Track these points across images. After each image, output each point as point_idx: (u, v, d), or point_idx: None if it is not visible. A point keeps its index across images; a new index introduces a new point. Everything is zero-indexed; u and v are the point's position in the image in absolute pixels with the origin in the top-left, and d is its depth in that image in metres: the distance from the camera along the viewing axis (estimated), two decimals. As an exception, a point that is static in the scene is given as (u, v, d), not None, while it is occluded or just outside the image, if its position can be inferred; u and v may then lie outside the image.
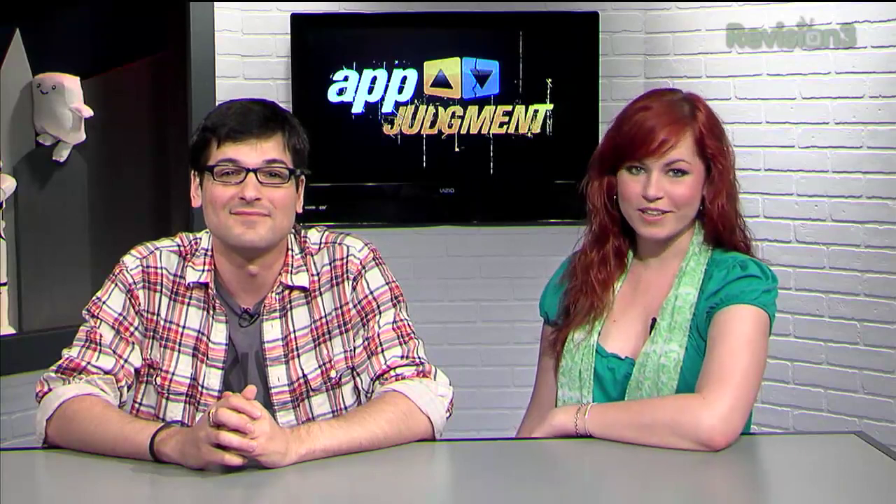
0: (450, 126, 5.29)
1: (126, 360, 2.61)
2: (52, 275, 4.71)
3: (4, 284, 4.57)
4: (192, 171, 2.62)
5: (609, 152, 2.67)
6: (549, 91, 5.31)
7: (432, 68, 5.28)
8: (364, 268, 2.66)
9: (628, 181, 2.63)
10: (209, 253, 2.65)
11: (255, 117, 2.56)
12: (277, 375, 2.62)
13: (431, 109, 5.27)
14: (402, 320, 2.65)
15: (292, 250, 2.66)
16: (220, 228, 2.57)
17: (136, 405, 2.67)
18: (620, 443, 2.47)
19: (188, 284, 2.64)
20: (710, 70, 5.16)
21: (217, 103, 3.90)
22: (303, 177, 2.63)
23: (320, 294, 2.66)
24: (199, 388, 2.61)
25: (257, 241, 2.55)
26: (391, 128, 5.27)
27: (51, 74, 4.59)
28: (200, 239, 2.68)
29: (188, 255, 2.66)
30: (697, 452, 2.40)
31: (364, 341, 2.63)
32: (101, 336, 2.60)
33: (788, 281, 4.91)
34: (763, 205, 4.99)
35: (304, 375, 2.63)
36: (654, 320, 2.64)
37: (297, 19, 5.21)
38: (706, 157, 2.64)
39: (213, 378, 2.61)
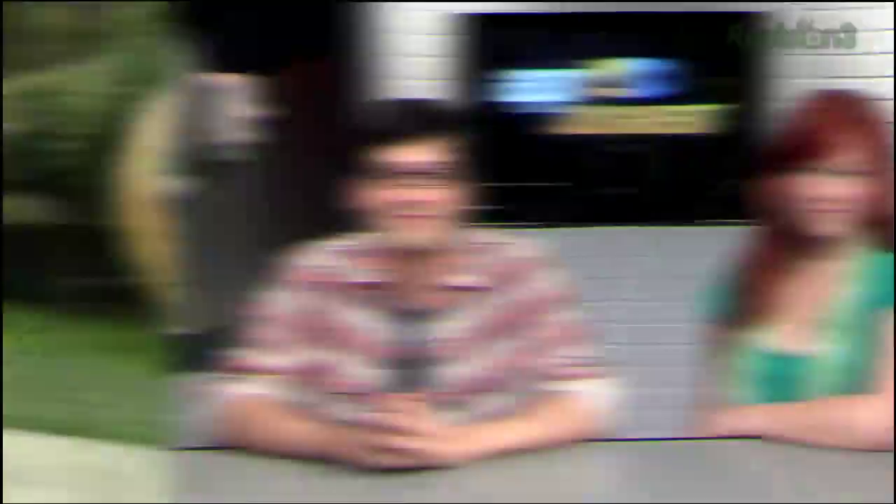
0: (620, 126, 5.29)
1: (294, 360, 2.63)
2: (220, 274, 4.79)
3: (179, 284, 4.67)
4: (358, 173, 2.63)
5: (780, 154, 2.65)
6: (715, 92, 5.28)
7: (598, 68, 5.27)
8: (532, 268, 2.64)
9: (800, 183, 2.60)
10: (376, 253, 2.66)
11: (415, 118, 2.57)
12: (444, 375, 2.61)
13: (599, 109, 5.26)
14: (570, 321, 2.63)
15: (457, 250, 2.65)
16: (385, 230, 2.58)
17: (304, 405, 2.69)
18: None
19: (355, 284, 2.66)
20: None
21: (380, 103, 3.93)
22: (466, 176, 2.62)
23: (486, 294, 2.65)
24: (366, 388, 2.62)
25: (421, 242, 2.56)
26: (559, 127, 5.28)
27: (217, 75, 4.67)
28: (367, 239, 2.69)
29: (355, 256, 2.68)
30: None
31: (531, 341, 2.62)
32: (269, 336, 2.63)
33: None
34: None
35: (471, 375, 2.62)
36: (819, 320, 2.61)
37: (461, 19, 5.24)
38: (876, 159, 2.60)
39: (379, 378, 2.62)
